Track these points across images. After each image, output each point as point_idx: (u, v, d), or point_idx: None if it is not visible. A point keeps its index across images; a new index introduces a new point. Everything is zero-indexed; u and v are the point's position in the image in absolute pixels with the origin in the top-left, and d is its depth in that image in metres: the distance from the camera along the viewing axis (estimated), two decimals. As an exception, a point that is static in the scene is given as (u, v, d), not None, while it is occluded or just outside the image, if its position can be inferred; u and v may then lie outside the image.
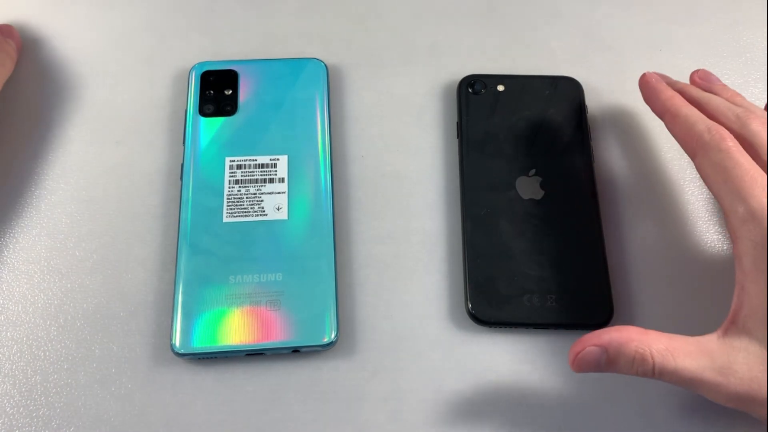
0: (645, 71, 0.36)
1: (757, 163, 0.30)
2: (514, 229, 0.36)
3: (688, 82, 0.37)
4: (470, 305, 0.34)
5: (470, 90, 0.40)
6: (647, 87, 0.35)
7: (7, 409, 0.33)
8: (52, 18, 0.43)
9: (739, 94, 0.36)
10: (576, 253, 0.35)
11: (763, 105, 0.41)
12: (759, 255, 0.28)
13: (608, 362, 0.29)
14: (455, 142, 0.39)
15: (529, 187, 0.37)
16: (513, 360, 0.34)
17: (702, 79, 0.37)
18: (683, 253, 0.37)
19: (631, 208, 0.38)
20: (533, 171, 0.37)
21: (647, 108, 0.40)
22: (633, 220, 0.38)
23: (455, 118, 0.40)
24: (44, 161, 0.38)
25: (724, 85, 0.37)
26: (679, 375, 0.28)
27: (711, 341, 0.29)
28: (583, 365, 0.30)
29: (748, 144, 0.31)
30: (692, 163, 0.36)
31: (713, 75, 0.37)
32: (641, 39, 0.43)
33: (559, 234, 0.36)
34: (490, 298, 0.34)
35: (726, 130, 0.31)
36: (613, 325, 0.34)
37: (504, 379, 0.34)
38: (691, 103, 0.34)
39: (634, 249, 0.37)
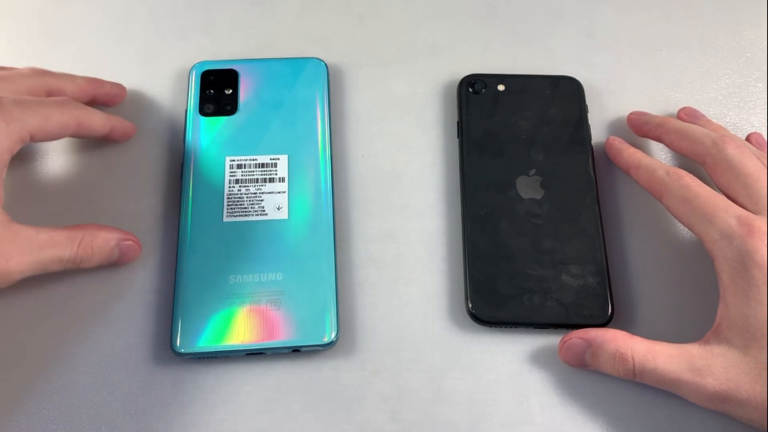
0: (610, 136, 0.39)
1: (734, 186, 0.33)
2: (515, 228, 0.36)
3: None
4: (470, 305, 0.34)
5: (471, 89, 0.40)
6: (611, 149, 0.39)
7: (8, 409, 0.33)
8: (52, 18, 0.43)
9: (722, 127, 0.38)
10: (576, 253, 0.35)
11: (763, 104, 0.41)
12: (734, 270, 0.31)
13: (592, 357, 0.33)
14: (455, 141, 0.39)
15: (529, 187, 0.37)
16: (513, 360, 0.34)
17: (688, 115, 0.39)
18: (683, 254, 0.37)
19: (631, 208, 0.38)
20: (533, 171, 0.37)
21: (647, 108, 0.41)
22: (633, 220, 0.38)
23: (455, 118, 0.40)
24: (44, 161, 0.38)
25: (709, 120, 0.39)
26: (658, 375, 0.31)
27: (692, 347, 0.31)
28: (568, 354, 0.33)
29: (726, 167, 0.33)
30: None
31: (698, 111, 0.40)
32: (641, 39, 0.43)
33: (559, 234, 0.36)
34: (490, 297, 0.34)
35: (683, 170, 0.34)
36: (613, 325, 0.34)
37: (504, 379, 0.34)
38: (671, 133, 0.37)
39: (634, 249, 0.37)
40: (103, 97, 0.39)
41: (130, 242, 0.35)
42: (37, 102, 0.34)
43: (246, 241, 0.35)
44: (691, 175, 0.34)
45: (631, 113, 0.40)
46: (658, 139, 0.38)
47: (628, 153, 0.37)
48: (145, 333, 0.34)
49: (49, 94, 0.36)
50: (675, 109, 0.41)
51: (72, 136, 0.36)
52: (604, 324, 0.34)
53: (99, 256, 0.34)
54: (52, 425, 0.32)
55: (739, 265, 0.30)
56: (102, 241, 0.34)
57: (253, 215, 0.36)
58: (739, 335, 0.30)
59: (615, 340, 0.32)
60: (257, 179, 0.37)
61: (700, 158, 0.35)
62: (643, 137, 0.39)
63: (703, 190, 0.33)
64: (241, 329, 0.33)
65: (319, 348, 0.33)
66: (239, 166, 0.37)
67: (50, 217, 0.37)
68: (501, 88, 0.40)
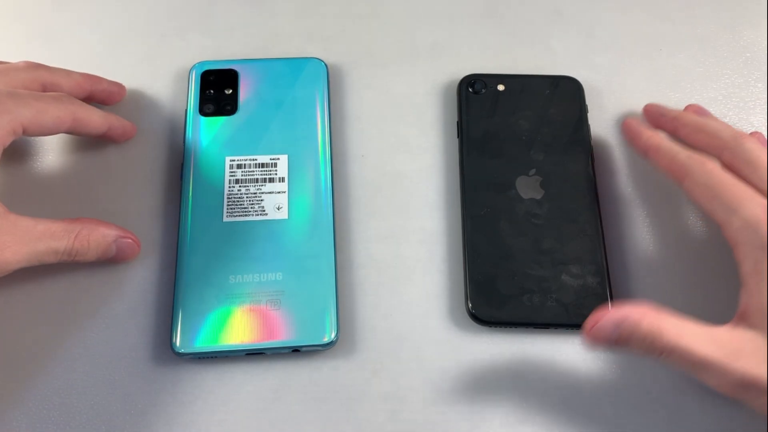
0: (626, 118, 0.39)
1: (752, 179, 0.33)
2: (514, 228, 0.36)
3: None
4: (470, 305, 0.34)
5: (470, 89, 0.40)
6: (629, 131, 0.38)
7: (7, 409, 0.33)
8: (53, 18, 0.43)
9: (731, 126, 0.37)
10: (576, 253, 0.35)
11: (763, 104, 0.41)
12: (758, 258, 0.30)
13: (620, 337, 0.31)
14: (455, 141, 0.39)
15: (529, 187, 0.37)
16: (513, 360, 0.34)
17: (696, 113, 0.39)
18: (683, 253, 0.37)
19: (631, 208, 0.38)
20: (533, 170, 0.37)
21: (647, 108, 0.41)
22: (633, 219, 0.38)
23: (455, 118, 0.40)
24: (44, 160, 0.38)
25: (716, 118, 0.39)
26: (687, 356, 0.30)
27: (720, 331, 0.30)
28: (597, 337, 0.31)
29: (744, 161, 0.33)
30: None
31: (705, 109, 0.40)
32: (641, 39, 0.43)
33: (559, 234, 0.36)
34: (490, 297, 0.34)
35: (705, 155, 0.34)
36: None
37: (504, 379, 0.34)
38: (687, 126, 0.37)
39: (634, 249, 0.37)
40: (100, 93, 0.39)
41: (129, 240, 0.35)
42: (31, 95, 0.34)
43: (246, 241, 0.35)
44: (712, 160, 0.34)
45: (647, 105, 0.39)
46: (674, 132, 0.38)
47: (647, 135, 0.37)
48: (145, 333, 0.34)
49: (44, 88, 0.36)
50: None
51: (68, 132, 0.36)
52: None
53: (95, 251, 0.34)
54: (52, 425, 0.32)
55: (763, 252, 0.30)
56: (99, 236, 0.34)
57: (253, 215, 0.36)
58: (764, 321, 0.30)
59: (645, 317, 0.30)
60: (257, 179, 0.37)
61: (717, 151, 0.35)
62: (657, 129, 0.39)
63: (726, 177, 0.33)
64: (240, 329, 0.33)
65: (319, 348, 0.33)
66: (239, 166, 0.37)
67: (50, 216, 0.37)
68: (501, 88, 0.40)
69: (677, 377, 0.34)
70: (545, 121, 0.39)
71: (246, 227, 0.35)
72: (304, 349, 0.33)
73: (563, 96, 0.40)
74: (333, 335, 0.33)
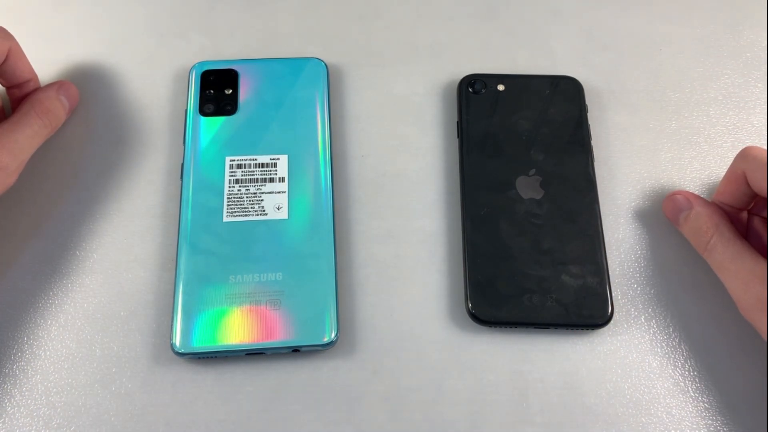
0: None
1: None
2: (514, 228, 0.36)
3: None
4: (470, 305, 0.34)
5: (470, 89, 0.40)
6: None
7: (8, 409, 0.33)
8: (52, 18, 0.43)
9: None
10: (576, 253, 0.35)
11: (763, 104, 0.41)
12: None
13: (685, 220, 0.35)
14: (455, 141, 0.39)
15: (529, 187, 0.37)
16: (513, 360, 0.34)
17: None
18: (683, 253, 0.37)
19: (631, 208, 0.38)
20: (533, 171, 0.37)
21: (647, 108, 0.41)
22: (633, 219, 0.38)
23: (455, 118, 0.40)
24: (44, 161, 0.38)
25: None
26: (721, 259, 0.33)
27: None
28: (671, 206, 0.36)
29: None
30: (692, 164, 0.36)
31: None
32: (641, 39, 0.43)
33: (559, 234, 0.36)
34: (490, 297, 0.34)
35: None
36: (613, 325, 0.34)
37: (504, 379, 0.34)
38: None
39: (633, 249, 0.37)
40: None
41: (64, 86, 0.38)
42: None
43: (246, 241, 0.35)
44: None
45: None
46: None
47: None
48: (145, 333, 0.34)
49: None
50: (674, 109, 0.41)
51: None
52: (604, 324, 0.34)
53: (60, 112, 0.38)
54: (52, 425, 0.32)
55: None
56: (51, 100, 0.37)
57: (253, 215, 0.36)
58: None
59: (711, 218, 0.34)
60: (257, 179, 0.37)
61: None
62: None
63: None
64: (240, 329, 0.33)
65: (319, 348, 0.33)
66: (239, 166, 0.37)
67: (49, 216, 0.37)
68: (501, 88, 0.40)
69: (676, 377, 0.34)
70: (545, 121, 0.39)
71: (246, 227, 0.35)
72: (304, 349, 0.33)
73: (563, 96, 0.40)
74: (333, 335, 0.33)
